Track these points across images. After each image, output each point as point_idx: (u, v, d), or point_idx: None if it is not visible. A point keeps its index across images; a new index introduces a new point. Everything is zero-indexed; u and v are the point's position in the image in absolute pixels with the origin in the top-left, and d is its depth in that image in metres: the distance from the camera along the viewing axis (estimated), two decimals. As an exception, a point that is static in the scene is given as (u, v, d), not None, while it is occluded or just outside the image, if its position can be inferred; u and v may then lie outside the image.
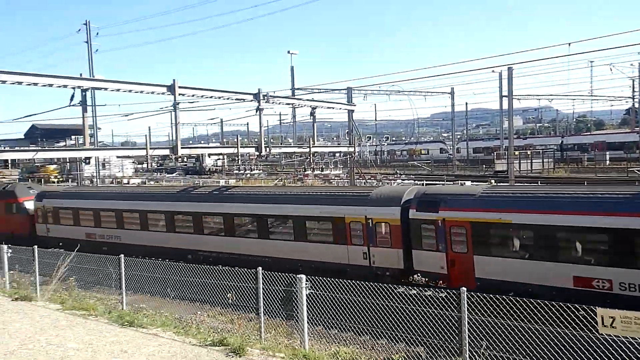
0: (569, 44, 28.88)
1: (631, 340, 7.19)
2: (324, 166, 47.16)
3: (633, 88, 55.37)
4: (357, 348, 10.20)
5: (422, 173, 51.90)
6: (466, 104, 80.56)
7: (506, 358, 8.81)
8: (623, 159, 50.75)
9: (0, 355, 9.01)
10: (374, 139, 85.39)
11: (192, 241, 22.18)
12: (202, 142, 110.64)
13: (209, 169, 73.53)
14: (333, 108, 36.84)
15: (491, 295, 9.74)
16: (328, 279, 10.00)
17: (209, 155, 70.95)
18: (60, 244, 25.40)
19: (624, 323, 6.89)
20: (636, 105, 57.70)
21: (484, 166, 55.97)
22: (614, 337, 7.34)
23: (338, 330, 12.97)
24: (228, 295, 12.47)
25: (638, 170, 42.69)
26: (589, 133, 75.69)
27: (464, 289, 7.58)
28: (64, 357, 8.95)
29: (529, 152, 53.04)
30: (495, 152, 54.89)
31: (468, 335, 7.57)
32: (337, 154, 48.87)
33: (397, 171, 51.83)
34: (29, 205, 29.79)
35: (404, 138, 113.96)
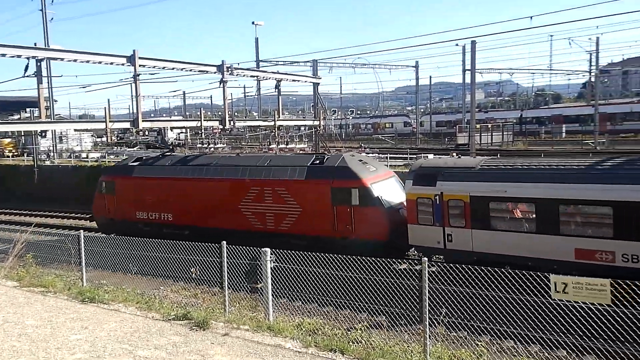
0: (531, 17, 29.39)
1: (582, 305, 7.54)
2: (289, 140, 46.87)
3: (590, 62, 56.74)
4: (321, 319, 10.36)
5: (386, 146, 52.37)
6: (430, 77, 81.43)
7: (464, 324, 9.11)
8: (579, 132, 52.38)
9: (-45, 335, 8.75)
10: (340, 113, 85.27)
11: None
12: (165, 115, 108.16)
13: (172, 143, 72.12)
14: (298, 81, 36.56)
15: (453, 264, 10.05)
16: (291, 252, 10.07)
17: (172, 128, 69.53)
18: (475, 258, 14.48)
19: (575, 289, 7.21)
20: (592, 79, 59.27)
21: (447, 139, 56.83)
22: (566, 302, 7.68)
23: (302, 303, 13.19)
24: (192, 270, 12.43)
25: (592, 142, 44.24)
26: (547, 107, 77.49)
27: (425, 259, 7.75)
28: (22, 334, 8.76)
29: (489, 125, 54.10)
30: (457, 126, 55.78)
31: (429, 303, 7.78)
32: (303, 128, 48.59)
33: (362, 145, 52.06)
34: (382, 191, 18.24)
35: (368, 112, 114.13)
